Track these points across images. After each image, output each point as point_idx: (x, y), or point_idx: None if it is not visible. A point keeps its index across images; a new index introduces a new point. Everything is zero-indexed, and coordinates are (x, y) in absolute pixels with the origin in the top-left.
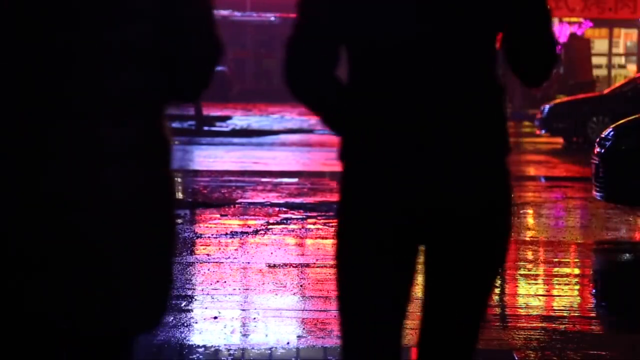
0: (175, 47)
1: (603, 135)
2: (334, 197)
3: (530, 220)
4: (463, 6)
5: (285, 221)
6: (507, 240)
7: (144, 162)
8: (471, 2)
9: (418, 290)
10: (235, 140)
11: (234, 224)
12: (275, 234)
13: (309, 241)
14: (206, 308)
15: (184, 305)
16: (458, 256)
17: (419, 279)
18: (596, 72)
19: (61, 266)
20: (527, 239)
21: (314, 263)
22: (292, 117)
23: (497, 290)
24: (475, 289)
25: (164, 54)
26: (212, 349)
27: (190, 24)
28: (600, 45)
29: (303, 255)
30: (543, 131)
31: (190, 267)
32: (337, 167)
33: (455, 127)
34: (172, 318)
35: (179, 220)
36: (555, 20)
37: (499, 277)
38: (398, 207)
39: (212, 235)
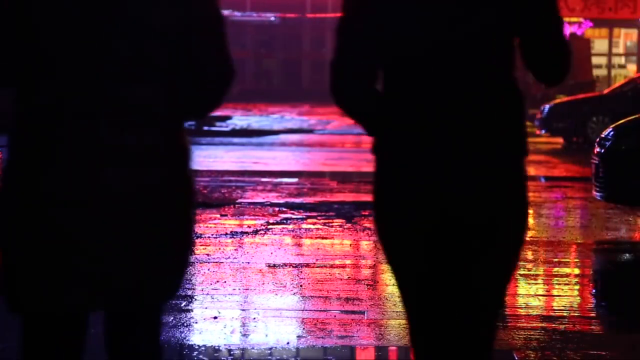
0: (190, 68)
1: (603, 135)
2: (334, 197)
3: (530, 220)
4: (482, 18)
5: (285, 221)
6: (523, 234)
7: (161, 165)
8: (489, 15)
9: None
10: (235, 140)
11: (234, 224)
12: (275, 234)
13: (309, 241)
14: (206, 308)
15: (184, 305)
16: (480, 246)
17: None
18: (596, 72)
19: (98, 252)
20: (527, 239)
21: (314, 263)
22: (292, 117)
23: None
24: (498, 274)
25: (179, 73)
26: (212, 349)
27: (205, 48)
28: (600, 45)
29: (303, 255)
30: (543, 131)
31: (190, 267)
32: (337, 167)
33: (476, 128)
34: (172, 318)
35: None
36: None
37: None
38: (424, 200)
39: (212, 235)
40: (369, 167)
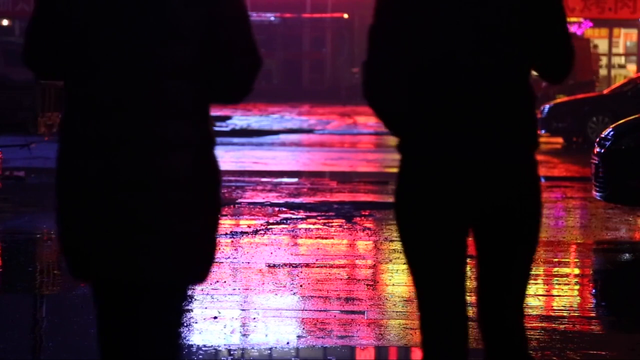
0: (219, 62)
1: (603, 135)
2: (334, 197)
3: None
4: (503, 27)
5: (285, 221)
6: (540, 215)
7: (193, 152)
8: (509, 23)
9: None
10: (235, 140)
11: (234, 224)
12: (275, 234)
13: (309, 241)
14: (206, 308)
15: (184, 305)
16: (503, 232)
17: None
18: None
19: (143, 229)
20: None
21: (314, 263)
22: (292, 117)
23: None
24: (521, 256)
25: (210, 68)
26: (212, 349)
27: (232, 41)
28: (600, 45)
29: (303, 255)
30: (543, 131)
31: None
32: (336, 167)
33: (495, 125)
34: None
35: None
36: None
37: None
38: (447, 191)
39: None
40: (368, 167)
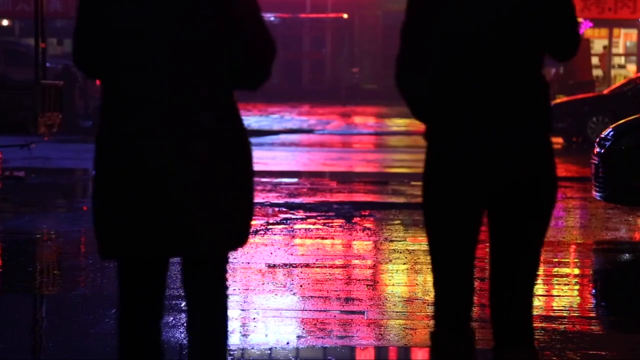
0: (241, 54)
1: (603, 135)
2: (334, 197)
3: None
4: (520, 22)
5: (285, 221)
6: (555, 195)
7: (225, 135)
8: (525, 19)
9: (418, 291)
10: None
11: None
12: (275, 234)
13: (309, 241)
14: None
15: (184, 305)
16: (519, 212)
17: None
18: (596, 72)
19: (177, 209)
20: None
21: (314, 263)
22: (292, 117)
23: None
24: (533, 235)
25: (233, 59)
26: None
27: (249, 34)
28: (600, 45)
29: (303, 255)
30: None
31: None
32: (336, 167)
33: (512, 114)
34: (172, 318)
35: None
36: None
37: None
38: (468, 173)
39: None
40: (368, 167)
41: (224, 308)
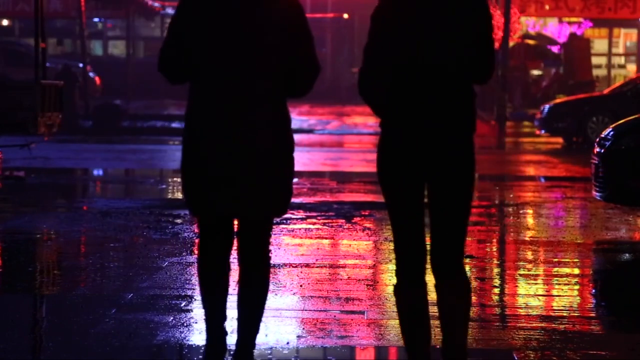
0: (293, 69)
1: (603, 135)
2: (334, 197)
3: (530, 220)
4: (452, 45)
5: (285, 221)
6: (473, 177)
7: (280, 130)
8: (455, 42)
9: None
10: None
11: (234, 224)
12: (275, 234)
13: (309, 241)
14: None
15: (184, 305)
16: (448, 185)
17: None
18: (596, 72)
19: (241, 184)
20: (527, 239)
21: (314, 263)
22: (292, 116)
23: (497, 290)
24: (459, 206)
25: (287, 73)
26: None
27: (301, 54)
28: (600, 45)
29: (303, 255)
30: (543, 131)
31: (190, 267)
32: (336, 167)
33: (442, 115)
34: (171, 318)
35: (179, 220)
36: (555, 20)
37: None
38: (410, 155)
39: None
40: (368, 167)
41: (268, 263)
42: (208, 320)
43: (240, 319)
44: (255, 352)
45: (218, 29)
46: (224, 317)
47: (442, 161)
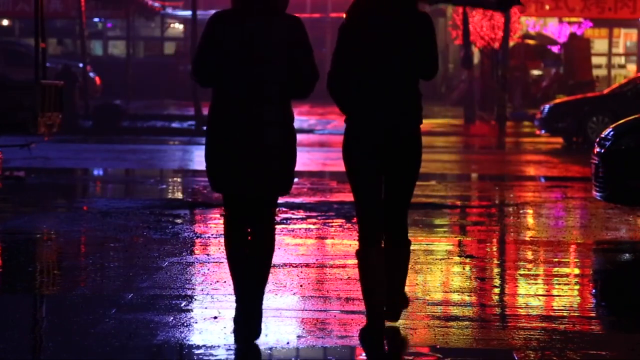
0: (295, 75)
1: (603, 135)
2: (334, 197)
3: (530, 220)
4: (405, 53)
5: (285, 221)
6: (419, 162)
7: (286, 125)
8: (408, 51)
9: (418, 291)
10: None
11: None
12: (275, 234)
13: (309, 241)
14: (206, 308)
15: (184, 305)
16: (398, 168)
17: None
18: (596, 72)
19: (253, 168)
20: (527, 239)
21: (314, 263)
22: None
23: (497, 290)
24: (407, 185)
25: (291, 77)
26: (212, 349)
27: (302, 62)
28: (600, 45)
29: (303, 255)
30: (543, 131)
31: (190, 267)
32: (336, 167)
33: (396, 110)
34: (172, 318)
35: (179, 220)
36: (555, 20)
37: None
38: (369, 144)
39: (212, 235)
40: None
41: (273, 231)
42: (235, 280)
43: (252, 274)
44: (255, 352)
45: (237, 46)
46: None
47: (396, 148)
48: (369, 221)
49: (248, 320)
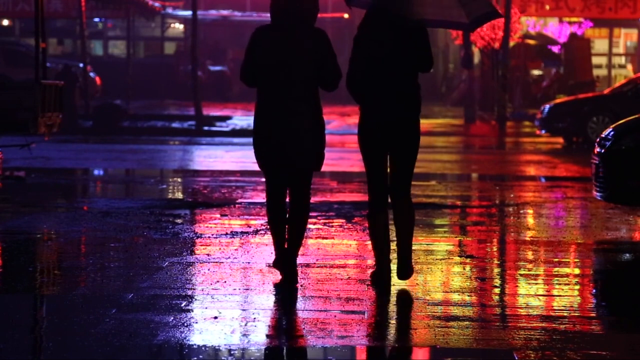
0: (322, 73)
1: (603, 135)
2: (334, 197)
3: (530, 220)
4: (405, 52)
5: None
6: (418, 141)
7: (314, 115)
8: (408, 50)
9: (418, 291)
10: (235, 140)
11: (234, 224)
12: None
13: (309, 241)
14: (206, 308)
15: (184, 305)
16: (401, 149)
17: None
18: (596, 72)
19: (288, 147)
20: (527, 239)
21: (314, 263)
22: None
23: (497, 290)
24: (409, 161)
25: (319, 76)
26: (212, 349)
27: (328, 66)
28: (600, 45)
29: (303, 255)
30: (543, 131)
31: (190, 267)
32: (337, 167)
33: (399, 102)
34: (172, 318)
35: (179, 220)
36: (556, 20)
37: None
38: (377, 127)
39: (212, 235)
40: None
41: (309, 198)
42: (275, 240)
43: (289, 236)
44: (255, 352)
45: (274, 55)
46: (284, 239)
47: (399, 132)
48: (377, 189)
49: (287, 268)
